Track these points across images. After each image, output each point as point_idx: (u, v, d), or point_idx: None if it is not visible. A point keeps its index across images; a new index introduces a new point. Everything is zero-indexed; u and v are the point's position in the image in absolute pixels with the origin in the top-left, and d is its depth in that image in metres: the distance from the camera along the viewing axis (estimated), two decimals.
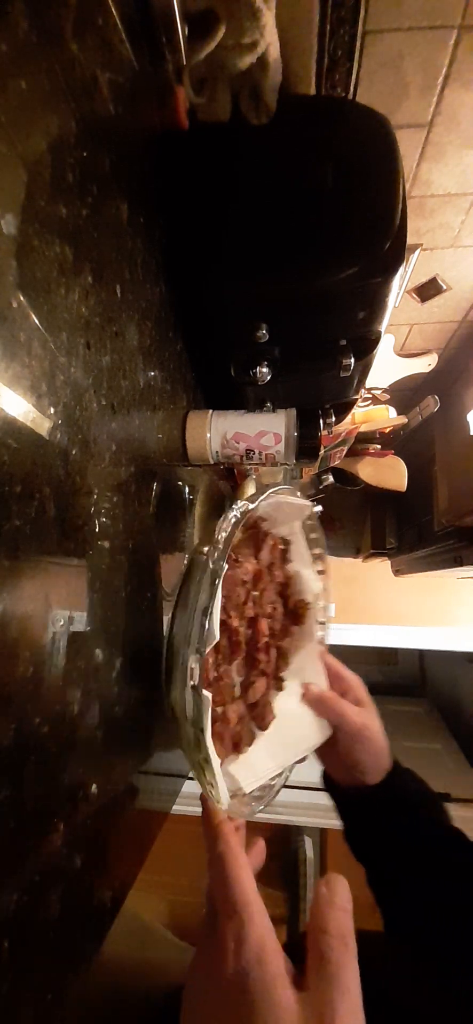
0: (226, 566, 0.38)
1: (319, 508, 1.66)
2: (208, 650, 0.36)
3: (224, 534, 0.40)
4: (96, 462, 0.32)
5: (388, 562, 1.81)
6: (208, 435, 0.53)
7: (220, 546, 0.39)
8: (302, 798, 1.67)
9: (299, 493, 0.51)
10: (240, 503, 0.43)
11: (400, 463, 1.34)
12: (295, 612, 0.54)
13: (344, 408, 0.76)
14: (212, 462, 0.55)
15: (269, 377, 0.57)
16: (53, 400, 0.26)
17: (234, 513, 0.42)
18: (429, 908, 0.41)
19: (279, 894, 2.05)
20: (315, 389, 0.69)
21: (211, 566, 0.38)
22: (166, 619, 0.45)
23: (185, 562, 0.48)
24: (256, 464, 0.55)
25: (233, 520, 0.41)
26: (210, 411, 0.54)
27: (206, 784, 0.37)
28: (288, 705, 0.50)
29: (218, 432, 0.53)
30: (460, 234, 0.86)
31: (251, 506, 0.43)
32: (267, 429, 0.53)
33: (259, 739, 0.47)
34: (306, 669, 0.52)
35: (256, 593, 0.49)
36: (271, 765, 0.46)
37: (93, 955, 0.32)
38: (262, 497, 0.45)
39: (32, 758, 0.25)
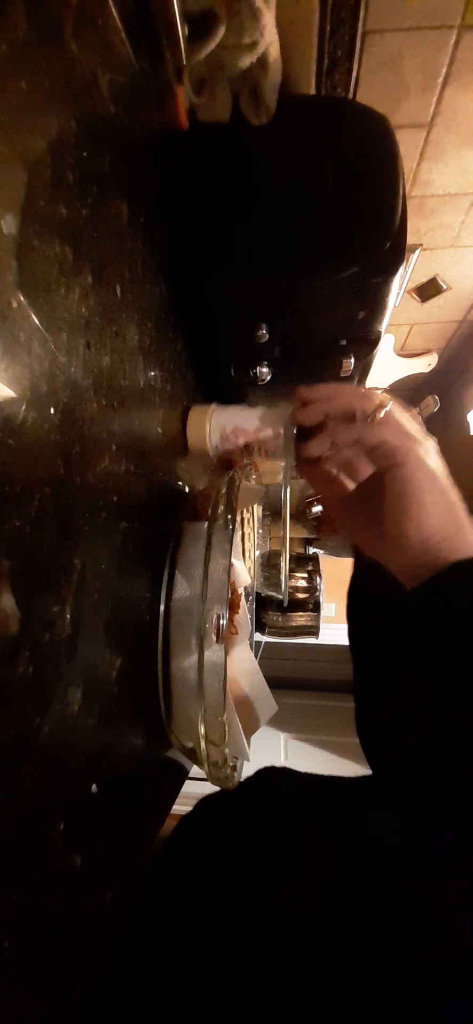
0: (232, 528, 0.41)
1: (319, 508, 1.65)
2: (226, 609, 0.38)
3: (233, 501, 0.42)
4: (96, 462, 0.32)
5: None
6: (208, 428, 0.54)
7: (230, 512, 0.42)
8: None
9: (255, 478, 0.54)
10: (229, 474, 0.47)
11: None
12: (231, 601, 0.56)
13: None
14: (212, 455, 0.55)
15: (269, 377, 0.57)
16: (53, 400, 0.26)
17: (232, 483, 0.44)
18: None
19: None
20: None
21: (229, 528, 0.41)
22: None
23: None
24: (255, 461, 0.56)
25: (236, 484, 0.43)
26: (212, 405, 0.55)
27: (219, 753, 0.38)
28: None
29: (218, 426, 0.54)
30: (460, 234, 0.86)
31: (238, 474, 0.45)
32: (266, 424, 0.53)
33: None
34: (241, 657, 0.54)
35: None
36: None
37: (93, 955, 0.32)
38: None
39: (32, 758, 0.25)
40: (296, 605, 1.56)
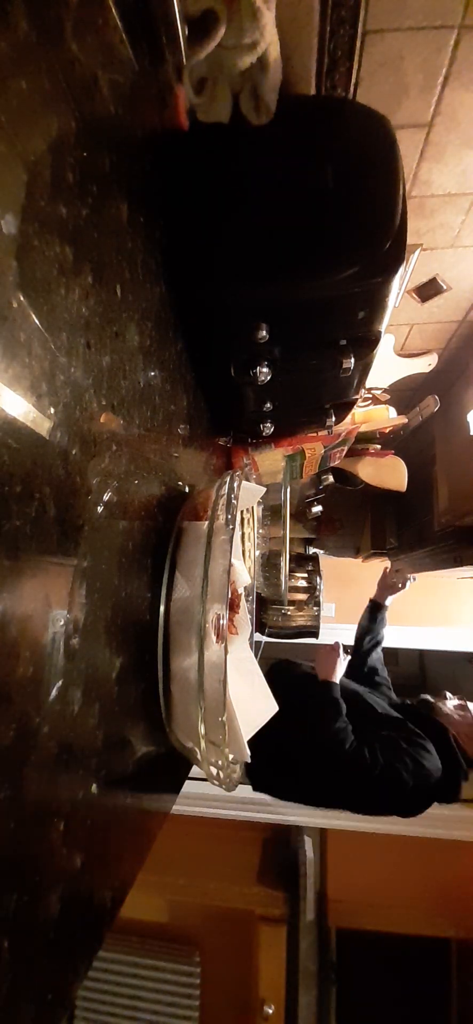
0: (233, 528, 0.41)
1: (319, 508, 1.65)
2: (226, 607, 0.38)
3: (233, 500, 0.43)
4: (96, 462, 0.32)
5: (388, 562, 1.81)
6: None
7: (230, 512, 0.42)
8: None
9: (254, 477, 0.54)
10: (229, 474, 0.47)
11: (400, 463, 1.34)
12: (231, 601, 0.56)
13: (344, 408, 0.76)
14: None
15: (269, 377, 0.57)
16: (53, 400, 0.26)
17: (232, 482, 0.45)
18: None
19: (279, 894, 2.05)
20: (315, 389, 0.69)
21: (229, 527, 0.42)
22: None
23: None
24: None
25: (236, 484, 0.43)
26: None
27: (219, 750, 0.38)
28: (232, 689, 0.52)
29: None
30: (460, 234, 0.86)
31: (238, 474, 0.45)
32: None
33: None
34: (241, 657, 0.54)
35: None
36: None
37: (93, 955, 0.32)
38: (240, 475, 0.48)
39: (32, 758, 0.25)
40: (296, 605, 1.56)
